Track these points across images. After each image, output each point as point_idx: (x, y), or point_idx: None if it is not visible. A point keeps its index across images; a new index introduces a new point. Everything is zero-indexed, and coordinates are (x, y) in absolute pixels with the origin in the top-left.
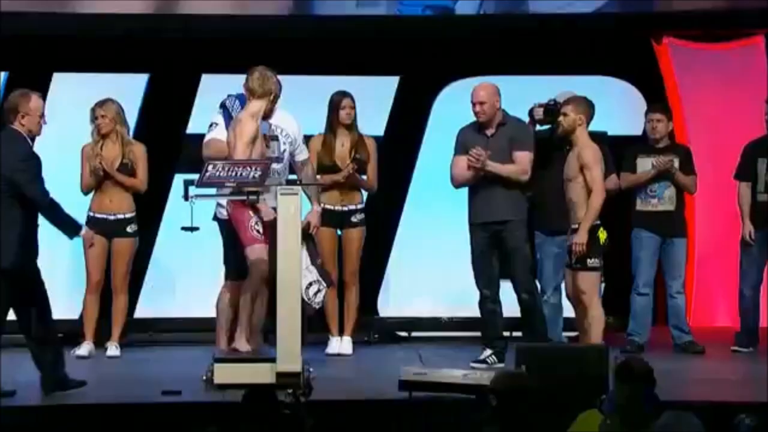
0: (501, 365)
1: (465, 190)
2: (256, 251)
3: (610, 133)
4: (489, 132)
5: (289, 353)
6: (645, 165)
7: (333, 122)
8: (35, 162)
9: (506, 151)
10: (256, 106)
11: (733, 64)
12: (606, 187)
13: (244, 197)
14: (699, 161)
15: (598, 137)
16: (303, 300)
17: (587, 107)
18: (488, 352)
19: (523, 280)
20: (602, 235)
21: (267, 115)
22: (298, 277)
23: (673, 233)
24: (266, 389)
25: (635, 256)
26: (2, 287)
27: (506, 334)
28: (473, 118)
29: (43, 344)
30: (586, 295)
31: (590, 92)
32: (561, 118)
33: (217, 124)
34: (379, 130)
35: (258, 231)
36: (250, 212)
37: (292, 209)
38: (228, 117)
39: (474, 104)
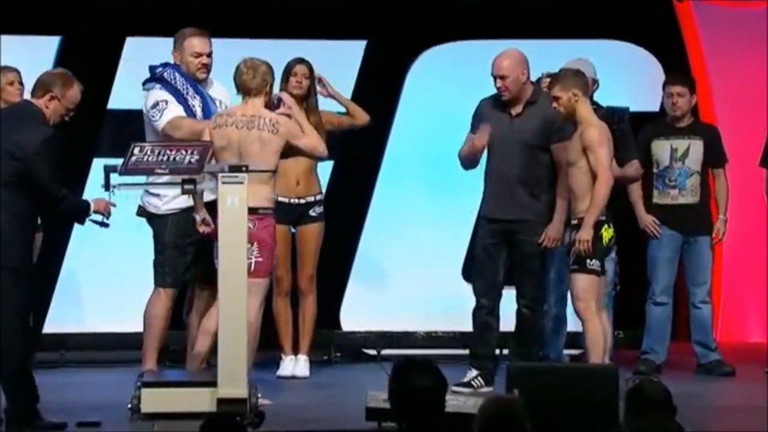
0: (489, 389)
1: (464, 180)
2: (266, 283)
3: None
4: (514, 111)
5: (233, 375)
6: (662, 149)
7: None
8: (55, 149)
9: (535, 136)
10: (262, 103)
11: None
12: (625, 173)
13: (179, 185)
14: (728, 144)
15: (616, 114)
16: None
17: (576, 78)
18: (473, 373)
19: (529, 293)
20: (606, 233)
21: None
22: (243, 284)
23: (697, 230)
24: (227, 417)
25: (651, 257)
26: (21, 290)
27: (497, 352)
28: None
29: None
30: (581, 302)
31: (599, 60)
32: (554, 104)
33: (167, 102)
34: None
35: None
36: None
37: (237, 201)
38: (174, 92)
39: (495, 78)
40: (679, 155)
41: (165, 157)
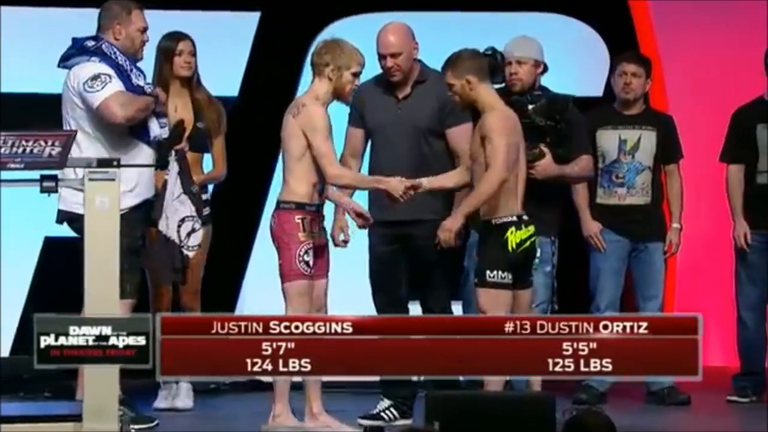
0: (404, 422)
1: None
2: (296, 288)
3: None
4: (402, 93)
5: (101, 407)
6: (609, 141)
7: (164, 75)
8: None
9: (428, 119)
10: (321, 88)
11: (731, 11)
12: (563, 172)
13: (37, 183)
14: (683, 137)
15: (558, 103)
16: (173, 248)
17: (472, 61)
18: (385, 403)
19: (436, 307)
20: (513, 237)
21: (343, 98)
22: (114, 297)
23: (648, 236)
24: None
25: (594, 267)
26: None
27: (416, 378)
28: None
29: None
30: None
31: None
32: (450, 94)
33: (110, 77)
34: (232, 90)
35: (307, 263)
36: (301, 233)
37: (107, 202)
38: (116, 68)
39: (383, 57)
40: (629, 148)
41: (20, 149)
